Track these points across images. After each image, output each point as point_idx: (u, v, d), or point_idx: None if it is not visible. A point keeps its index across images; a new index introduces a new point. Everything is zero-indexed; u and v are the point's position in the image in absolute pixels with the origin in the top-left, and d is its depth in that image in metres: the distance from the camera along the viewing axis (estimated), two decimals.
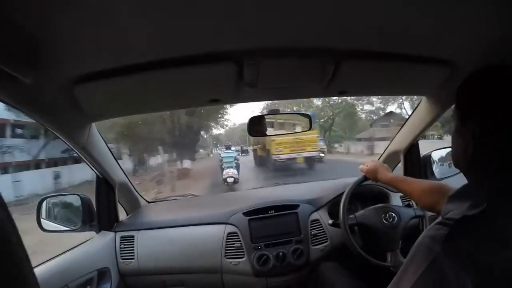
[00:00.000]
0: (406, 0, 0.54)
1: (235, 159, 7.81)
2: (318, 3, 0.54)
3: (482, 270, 0.40)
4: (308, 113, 1.12)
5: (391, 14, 0.59)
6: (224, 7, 0.53)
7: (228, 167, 7.19)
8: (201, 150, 25.75)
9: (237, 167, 7.68)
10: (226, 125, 25.44)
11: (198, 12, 0.53)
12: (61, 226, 1.22)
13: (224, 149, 8.65)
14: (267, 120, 1.06)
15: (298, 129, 1.16)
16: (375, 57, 0.77)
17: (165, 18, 0.54)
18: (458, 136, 0.54)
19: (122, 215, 1.36)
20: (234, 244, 1.20)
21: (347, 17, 0.59)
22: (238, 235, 1.20)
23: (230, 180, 6.80)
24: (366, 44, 0.72)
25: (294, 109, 18.21)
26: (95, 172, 1.18)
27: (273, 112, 1.09)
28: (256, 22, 0.58)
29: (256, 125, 1.06)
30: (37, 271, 0.86)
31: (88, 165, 1.11)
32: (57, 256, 0.99)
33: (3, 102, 0.69)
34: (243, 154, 20.71)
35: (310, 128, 1.13)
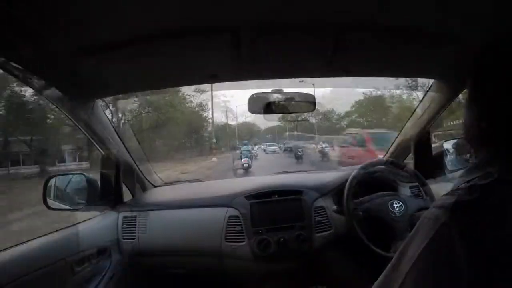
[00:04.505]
0: None
1: (249, 152, 10.17)
2: None
3: (487, 242, 0.37)
4: (312, 93, 1.08)
5: None
6: None
7: (245, 157, 9.52)
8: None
9: (251, 158, 10.02)
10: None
11: None
12: (66, 205, 1.24)
13: (243, 145, 11.20)
14: (269, 99, 1.04)
15: (302, 109, 1.13)
16: (377, 31, 0.72)
17: None
18: (471, 107, 0.49)
19: (128, 198, 1.36)
20: (235, 227, 1.18)
21: None
22: (239, 219, 1.18)
23: (246, 165, 9.01)
24: (367, 16, 0.67)
25: None
26: (100, 151, 1.19)
27: (276, 91, 1.07)
28: None
29: (257, 103, 1.03)
30: (35, 243, 0.87)
31: (93, 143, 1.13)
32: (57, 230, 1.00)
33: (10, 73, 0.71)
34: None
35: (314, 109, 1.10)
